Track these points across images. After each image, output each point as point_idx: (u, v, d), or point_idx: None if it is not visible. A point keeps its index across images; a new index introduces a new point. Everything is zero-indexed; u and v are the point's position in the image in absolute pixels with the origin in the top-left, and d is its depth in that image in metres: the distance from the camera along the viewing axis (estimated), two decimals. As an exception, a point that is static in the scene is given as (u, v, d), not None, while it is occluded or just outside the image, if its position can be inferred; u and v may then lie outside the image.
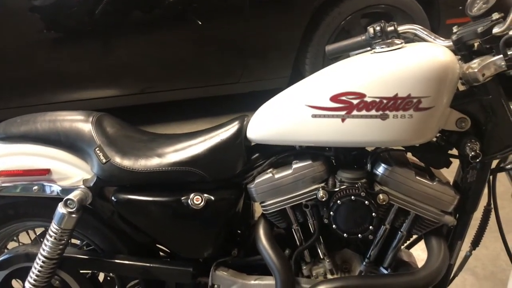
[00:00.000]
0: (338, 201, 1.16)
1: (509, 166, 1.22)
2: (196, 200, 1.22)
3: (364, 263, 1.26)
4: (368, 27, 1.26)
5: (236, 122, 1.27)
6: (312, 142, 1.18)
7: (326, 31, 2.87)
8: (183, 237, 1.29)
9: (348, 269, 1.32)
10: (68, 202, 1.21)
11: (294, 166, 1.22)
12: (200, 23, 2.88)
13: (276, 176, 1.22)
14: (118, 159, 1.24)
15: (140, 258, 1.32)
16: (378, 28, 1.24)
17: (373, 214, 1.15)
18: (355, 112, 1.11)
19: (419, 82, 1.07)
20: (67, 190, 1.25)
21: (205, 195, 1.23)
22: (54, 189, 1.28)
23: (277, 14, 2.80)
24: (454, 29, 1.20)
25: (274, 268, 1.22)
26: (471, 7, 1.18)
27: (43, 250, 1.26)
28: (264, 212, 1.27)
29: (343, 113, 1.12)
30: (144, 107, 3.14)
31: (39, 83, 2.93)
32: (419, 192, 1.17)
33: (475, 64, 1.12)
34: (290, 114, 1.18)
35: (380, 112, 1.09)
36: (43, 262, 1.26)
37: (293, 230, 1.28)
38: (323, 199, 1.18)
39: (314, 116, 1.14)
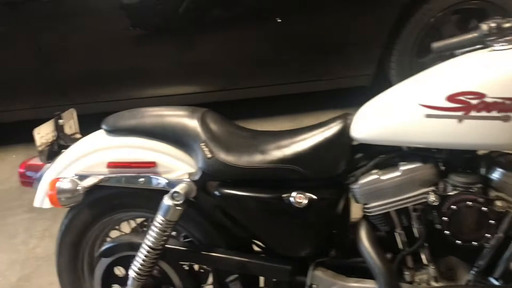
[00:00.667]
0: (453, 206, 1.11)
1: None
2: (299, 198, 1.21)
3: (473, 272, 1.20)
4: (480, 24, 1.19)
5: (340, 120, 1.25)
6: (425, 143, 1.13)
7: (414, 28, 2.76)
8: (283, 235, 1.28)
9: (453, 277, 1.26)
10: (175, 194, 1.24)
11: (402, 168, 1.17)
12: (279, 20, 2.87)
13: (382, 177, 1.19)
14: (222, 155, 1.25)
15: (240, 253, 1.33)
16: (493, 24, 1.16)
17: (490, 221, 1.09)
18: (473, 113, 1.05)
19: (551, 82, 0.99)
20: (173, 183, 1.29)
21: (308, 194, 1.21)
22: (160, 181, 1.31)
23: (364, 9, 2.74)
24: None
25: (378, 272, 1.19)
26: None
27: (148, 240, 1.30)
28: (367, 214, 1.24)
29: (460, 113, 1.06)
30: (227, 104, 3.18)
31: (125, 79, 3.05)
32: None
33: None
34: (401, 114, 1.14)
35: (502, 114, 1.03)
36: (147, 251, 1.31)
37: (396, 234, 1.24)
38: (435, 204, 1.13)
39: (429, 116, 1.09)
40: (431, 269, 1.23)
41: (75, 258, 1.53)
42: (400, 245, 1.25)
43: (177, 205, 1.25)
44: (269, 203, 1.24)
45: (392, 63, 2.91)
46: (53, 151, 1.47)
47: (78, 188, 1.30)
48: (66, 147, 1.48)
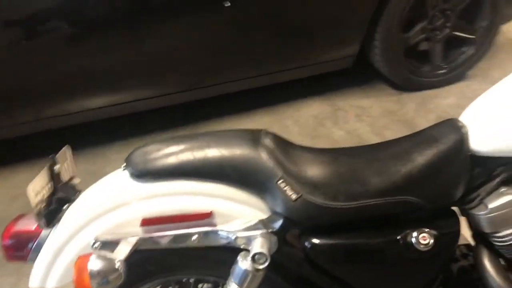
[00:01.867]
0: None
1: None
2: (423, 239, 0.93)
3: None
4: None
5: (452, 128, 0.98)
6: None
7: (399, 2, 2.55)
8: (397, 283, 1.01)
9: None
10: (257, 256, 0.91)
11: (544, 183, 0.94)
12: (227, 5, 2.52)
13: (521, 197, 0.94)
14: (310, 194, 0.94)
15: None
16: None
17: None
18: None
19: None
20: (246, 239, 0.95)
21: (432, 230, 0.94)
22: (224, 236, 0.97)
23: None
24: None
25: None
26: None
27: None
28: (496, 244, 0.99)
29: None
30: (195, 102, 2.81)
31: (71, 88, 2.53)
32: None
33: None
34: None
35: None
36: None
37: None
38: None
39: None
40: None
41: None
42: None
43: (259, 270, 0.93)
44: (381, 249, 0.96)
45: (376, 41, 2.69)
46: (51, 210, 1.07)
47: (117, 265, 0.92)
48: (65, 201, 1.09)
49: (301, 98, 2.94)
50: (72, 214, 1.04)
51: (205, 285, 1.20)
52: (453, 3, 2.70)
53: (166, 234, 0.99)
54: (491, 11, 2.75)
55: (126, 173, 1.03)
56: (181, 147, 1.01)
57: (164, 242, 1.00)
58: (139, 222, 0.99)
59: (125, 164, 1.05)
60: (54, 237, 1.03)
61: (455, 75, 2.94)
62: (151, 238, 0.99)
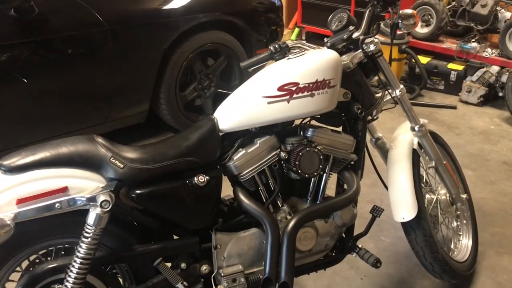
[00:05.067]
0: (298, 153, 1.72)
1: (375, 117, 1.99)
2: (201, 178, 1.63)
3: (307, 201, 1.85)
4: (269, 46, 1.90)
5: (208, 120, 1.73)
6: (269, 121, 1.72)
7: (174, 69, 3.39)
8: (190, 211, 1.65)
9: (297, 209, 1.88)
10: (103, 203, 1.47)
11: (258, 141, 1.73)
12: (25, 81, 3.01)
13: (248, 151, 1.72)
14: (131, 162, 1.55)
15: (156, 242, 1.64)
16: (276, 45, 1.88)
17: (321, 157, 1.75)
18: (295, 95, 1.70)
19: (328, 69, 1.72)
20: (92, 198, 1.49)
21: (204, 175, 1.64)
22: (78, 200, 1.49)
23: (133, 58, 3.22)
24: (325, 40, 1.91)
25: (261, 215, 1.69)
26: (331, 25, 1.91)
27: (79, 253, 1.47)
28: (241, 180, 1.74)
29: (287, 97, 1.70)
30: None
31: None
32: (335, 141, 1.82)
33: (345, 57, 1.85)
34: (251, 105, 1.71)
35: (310, 92, 1.71)
36: (80, 263, 1.47)
37: (260, 190, 1.78)
38: (285, 157, 1.73)
39: (269, 103, 1.69)
40: (285, 208, 1.82)
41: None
42: (263, 198, 1.80)
43: (105, 212, 1.48)
44: (178, 189, 1.61)
45: (161, 99, 3.45)
46: None
47: (8, 222, 1.37)
48: None
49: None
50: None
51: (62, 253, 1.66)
52: (212, 69, 3.69)
53: (37, 206, 1.46)
54: (239, 74, 3.81)
55: None
56: (39, 148, 1.53)
57: (36, 213, 1.46)
58: (15, 202, 1.45)
59: None
60: None
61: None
62: (25, 210, 1.45)
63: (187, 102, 3.64)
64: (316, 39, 5.79)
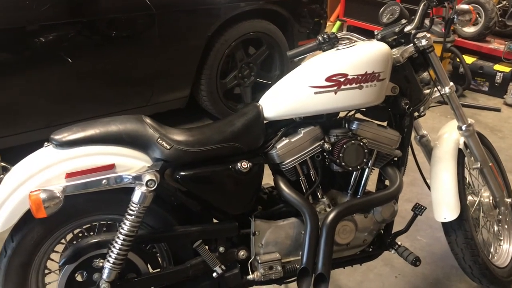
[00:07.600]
0: (342, 146, 1.70)
1: (422, 114, 1.95)
2: (244, 164, 1.63)
3: (347, 195, 1.84)
4: (318, 36, 1.88)
5: (253, 106, 1.73)
6: (315, 112, 1.71)
7: (216, 56, 3.41)
8: (233, 196, 1.67)
9: (337, 203, 1.86)
10: (149, 182, 1.49)
11: (302, 131, 1.73)
12: (70, 60, 3.06)
13: (291, 140, 1.72)
14: (178, 144, 1.57)
15: (196, 225, 1.66)
16: (325, 36, 1.85)
17: (365, 151, 1.73)
18: (343, 87, 1.68)
19: (378, 62, 1.69)
20: (138, 176, 1.52)
21: (248, 161, 1.65)
22: (125, 178, 1.52)
23: (178, 43, 3.25)
24: (375, 32, 1.88)
25: (302, 205, 1.69)
26: (382, 18, 1.88)
27: (122, 229, 1.51)
28: (283, 169, 1.74)
29: (335, 88, 1.68)
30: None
31: None
32: (380, 135, 1.80)
33: (395, 51, 1.81)
34: (297, 94, 1.69)
35: (358, 85, 1.69)
36: (123, 240, 1.51)
37: (300, 180, 1.78)
38: (329, 149, 1.72)
39: (316, 93, 1.68)
40: (325, 200, 1.81)
41: (25, 279, 1.56)
42: (303, 189, 1.79)
43: (150, 191, 1.51)
44: (222, 173, 1.62)
45: (202, 86, 3.48)
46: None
47: (58, 194, 1.41)
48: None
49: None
50: (8, 178, 1.48)
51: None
52: (254, 58, 3.68)
53: (85, 181, 1.50)
54: (280, 64, 3.80)
55: (49, 147, 1.53)
56: (89, 124, 1.57)
57: (83, 187, 1.50)
58: (64, 176, 1.49)
59: (45, 143, 1.55)
60: None
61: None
62: (73, 184, 1.49)
63: (227, 90, 3.66)
64: (357, 34, 5.69)
